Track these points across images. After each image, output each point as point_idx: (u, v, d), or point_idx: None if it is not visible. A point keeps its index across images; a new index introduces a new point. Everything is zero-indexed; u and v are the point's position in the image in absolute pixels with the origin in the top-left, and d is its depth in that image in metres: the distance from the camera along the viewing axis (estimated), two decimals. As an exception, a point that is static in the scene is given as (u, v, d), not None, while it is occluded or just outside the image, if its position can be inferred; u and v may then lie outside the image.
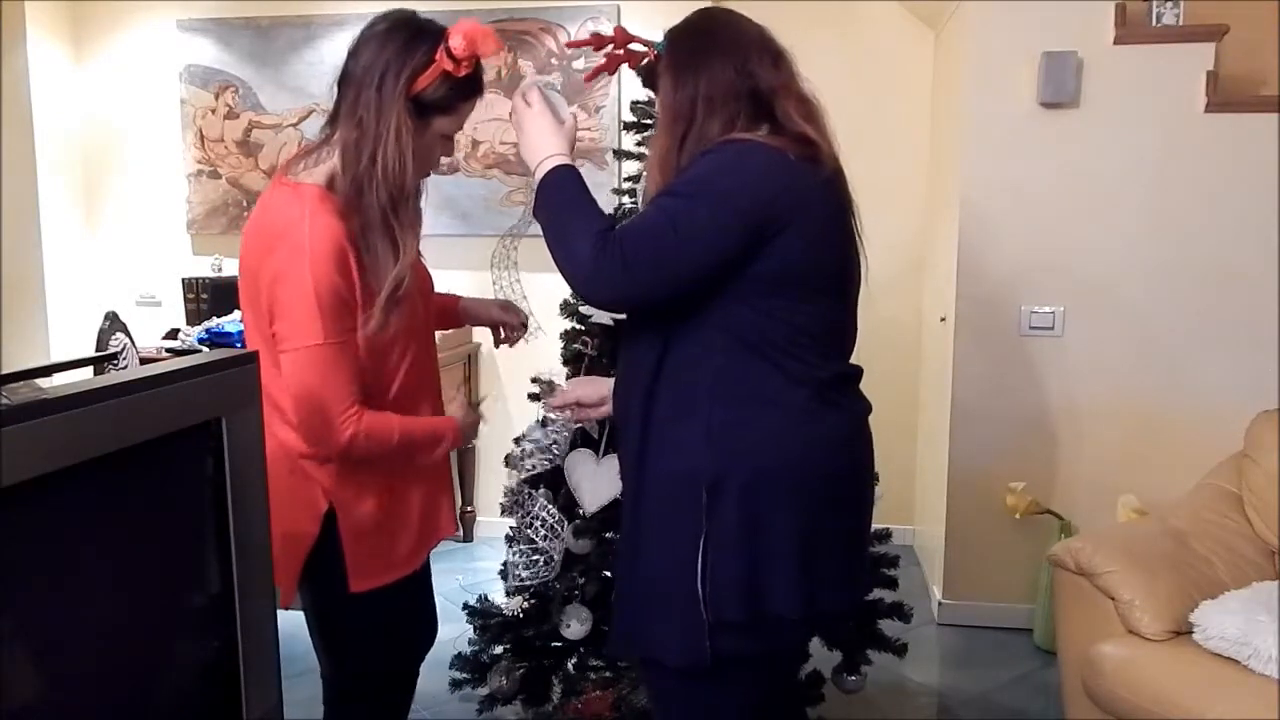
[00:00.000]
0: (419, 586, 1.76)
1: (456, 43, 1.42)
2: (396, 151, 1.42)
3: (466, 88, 1.49)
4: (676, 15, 1.54)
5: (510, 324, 1.89)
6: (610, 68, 1.70)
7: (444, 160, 1.63)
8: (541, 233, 1.41)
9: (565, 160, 1.43)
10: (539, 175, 1.42)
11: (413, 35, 1.45)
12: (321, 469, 1.55)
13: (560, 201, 1.39)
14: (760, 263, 1.34)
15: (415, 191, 1.52)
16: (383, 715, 1.77)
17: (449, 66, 1.44)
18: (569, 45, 2.22)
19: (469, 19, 1.47)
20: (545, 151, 1.43)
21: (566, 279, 1.38)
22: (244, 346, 1.55)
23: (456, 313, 1.92)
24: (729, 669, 1.43)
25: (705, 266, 1.33)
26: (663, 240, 1.32)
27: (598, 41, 1.66)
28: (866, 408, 1.54)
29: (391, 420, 1.53)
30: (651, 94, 1.75)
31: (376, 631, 1.66)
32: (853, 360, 1.53)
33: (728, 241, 1.32)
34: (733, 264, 1.34)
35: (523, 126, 1.46)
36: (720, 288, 1.35)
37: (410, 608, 1.75)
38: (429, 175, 1.59)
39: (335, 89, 1.50)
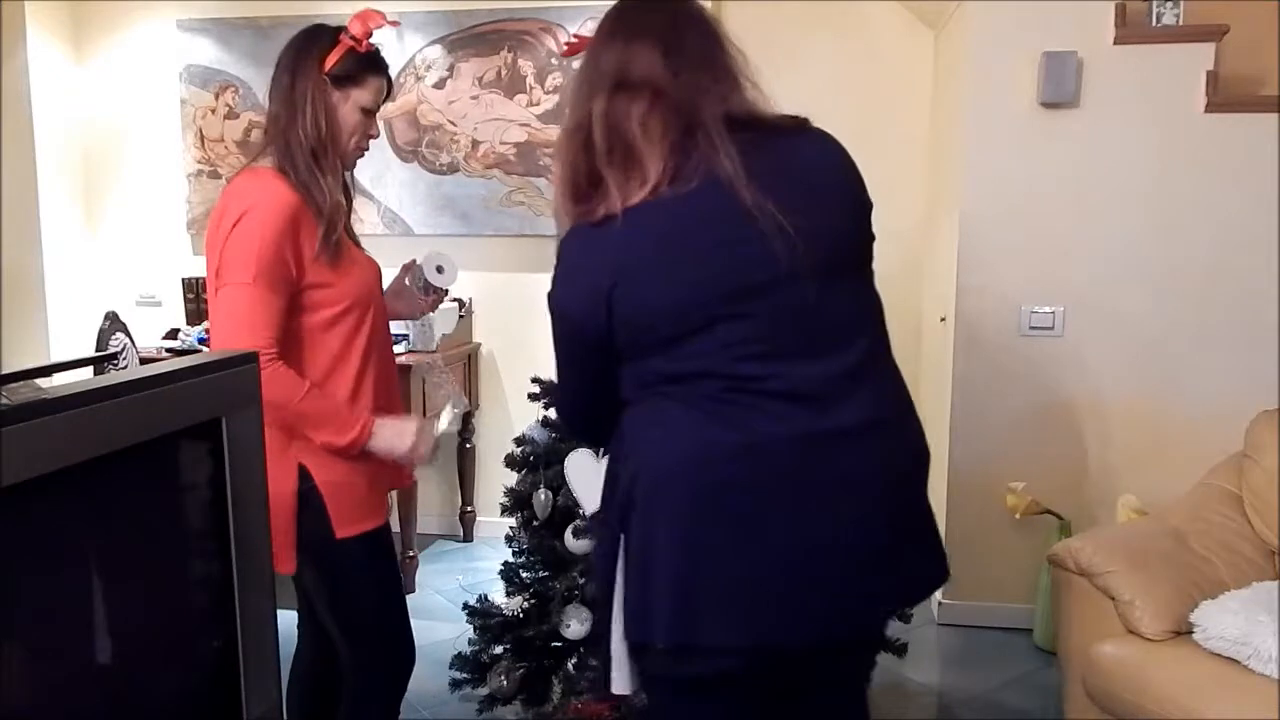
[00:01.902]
0: (387, 543, 1.88)
1: (354, 25, 1.77)
2: (312, 115, 1.72)
3: (370, 61, 1.78)
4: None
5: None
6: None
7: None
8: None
9: None
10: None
11: (318, 31, 1.79)
12: (275, 428, 1.62)
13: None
14: (611, 338, 1.35)
15: (344, 158, 1.79)
16: (393, 689, 1.89)
17: (351, 43, 1.75)
18: (565, 54, 2.39)
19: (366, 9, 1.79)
20: None
21: None
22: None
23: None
24: (666, 686, 1.43)
25: (587, 367, 1.42)
26: (558, 366, 1.48)
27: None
28: (787, 425, 1.31)
29: (304, 381, 1.66)
30: None
31: (369, 576, 1.82)
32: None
33: (575, 346, 1.41)
34: (602, 348, 1.37)
35: None
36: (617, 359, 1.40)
37: (388, 560, 1.88)
38: (363, 151, 1.84)
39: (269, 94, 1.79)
